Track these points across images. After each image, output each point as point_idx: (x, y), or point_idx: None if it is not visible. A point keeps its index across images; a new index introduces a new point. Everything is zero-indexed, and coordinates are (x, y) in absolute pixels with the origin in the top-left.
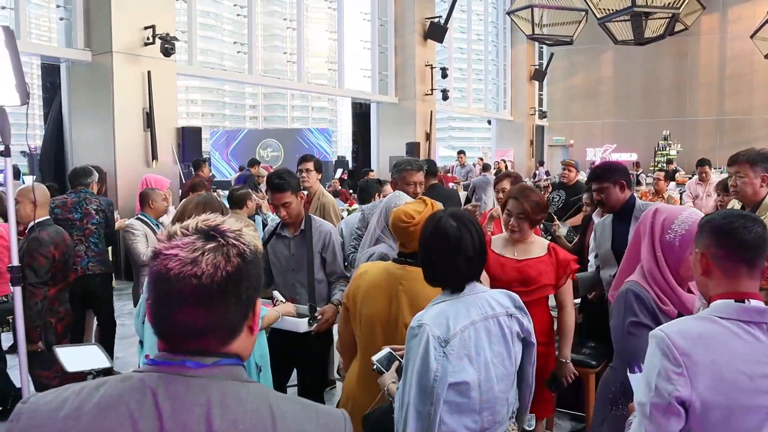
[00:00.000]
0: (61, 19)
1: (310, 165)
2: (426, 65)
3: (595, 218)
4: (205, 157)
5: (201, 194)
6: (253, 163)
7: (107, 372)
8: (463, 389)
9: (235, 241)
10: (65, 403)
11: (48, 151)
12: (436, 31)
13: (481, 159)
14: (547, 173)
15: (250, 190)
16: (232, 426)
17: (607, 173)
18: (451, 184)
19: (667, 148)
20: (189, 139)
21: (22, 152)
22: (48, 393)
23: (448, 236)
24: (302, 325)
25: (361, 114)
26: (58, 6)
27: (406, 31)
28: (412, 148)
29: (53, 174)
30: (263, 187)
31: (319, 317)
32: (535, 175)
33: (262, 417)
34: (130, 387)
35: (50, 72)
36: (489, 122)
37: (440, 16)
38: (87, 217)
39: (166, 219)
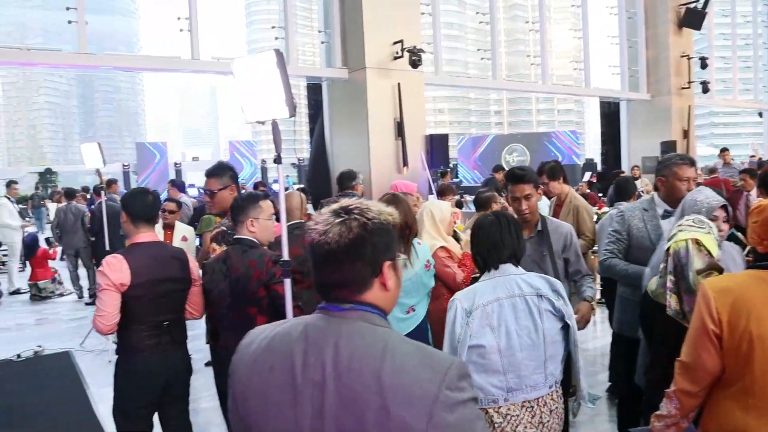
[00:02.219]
0: (323, 42)
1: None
2: (682, 56)
3: None
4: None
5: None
6: (498, 168)
7: None
8: (482, 352)
9: (357, 216)
10: (264, 332)
11: (315, 162)
12: (692, 18)
13: (753, 156)
14: None
15: (495, 193)
16: (351, 352)
17: None
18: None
19: None
20: (437, 146)
21: (292, 164)
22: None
23: (483, 228)
24: None
25: (609, 113)
26: (319, 31)
27: (658, 21)
28: (668, 147)
29: (319, 181)
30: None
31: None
32: None
33: (376, 349)
34: (297, 323)
35: (314, 91)
36: (760, 114)
37: (697, 1)
38: None
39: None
